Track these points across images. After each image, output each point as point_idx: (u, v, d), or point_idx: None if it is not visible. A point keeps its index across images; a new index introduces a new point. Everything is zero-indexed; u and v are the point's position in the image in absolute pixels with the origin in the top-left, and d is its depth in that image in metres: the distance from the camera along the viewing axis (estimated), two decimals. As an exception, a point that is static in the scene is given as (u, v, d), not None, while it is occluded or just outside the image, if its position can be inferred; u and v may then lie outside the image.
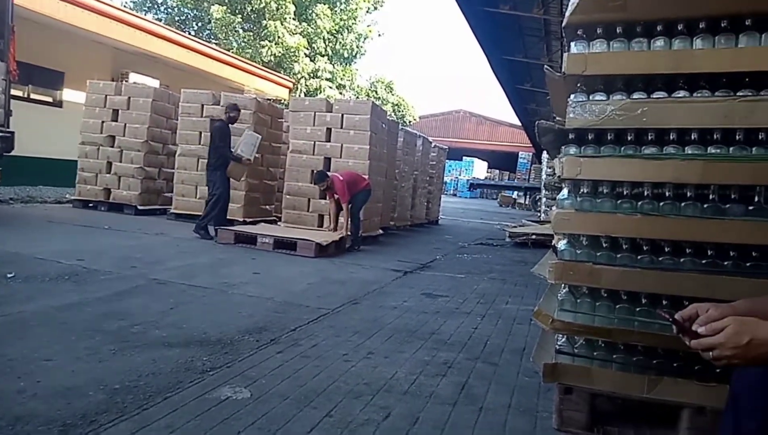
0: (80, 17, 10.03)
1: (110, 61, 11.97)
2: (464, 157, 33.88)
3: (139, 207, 8.52)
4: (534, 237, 8.86)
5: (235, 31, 20.57)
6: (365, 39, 23.96)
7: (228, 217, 7.34)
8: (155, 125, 8.81)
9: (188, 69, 13.34)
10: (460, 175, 33.38)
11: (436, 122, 40.23)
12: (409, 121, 28.98)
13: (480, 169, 34.65)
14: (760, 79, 1.84)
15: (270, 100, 11.71)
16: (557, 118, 2.34)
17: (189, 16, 23.96)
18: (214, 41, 20.35)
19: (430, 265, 6.38)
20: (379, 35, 25.52)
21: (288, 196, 7.77)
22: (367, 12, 24.23)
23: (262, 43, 19.93)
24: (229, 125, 6.93)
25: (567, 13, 1.97)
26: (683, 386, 1.93)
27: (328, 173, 6.89)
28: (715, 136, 1.87)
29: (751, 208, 1.83)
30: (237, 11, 20.74)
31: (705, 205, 1.87)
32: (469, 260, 7.11)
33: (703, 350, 1.25)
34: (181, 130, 8.46)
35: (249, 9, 20.53)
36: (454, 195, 31.61)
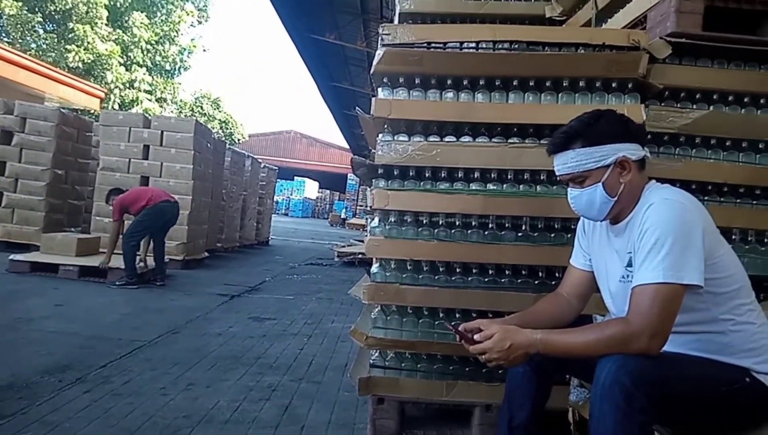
0: None
1: None
2: (296, 177, 34.01)
3: None
4: (360, 256, 9.30)
5: (35, 32, 18.10)
6: (189, 53, 22.90)
7: (23, 242, 6.49)
8: (-75, 135, 7.41)
9: (-28, 71, 11.39)
10: (291, 194, 33.39)
11: (266, 141, 39.83)
12: (239, 140, 28.25)
13: (311, 190, 35.07)
14: (525, 129, 2.28)
15: (77, 110, 10.55)
16: (372, 151, 2.58)
17: (-28, 9, 20.48)
18: (6, 40, 17.66)
19: (259, 287, 6.33)
20: (204, 50, 24.50)
21: (98, 218, 7.08)
22: (191, 26, 23.22)
23: (68, 47, 17.83)
24: None
25: (374, 62, 2.21)
26: (474, 388, 2.25)
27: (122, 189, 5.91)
28: (492, 175, 2.25)
29: (519, 234, 2.23)
30: (36, 9, 18.30)
31: (486, 233, 2.23)
32: (298, 281, 7.20)
33: (478, 354, 1.53)
34: (-38, 141, 7.24)
35: (52, 8, 18.25)
36: (286, 214, 31.47)
